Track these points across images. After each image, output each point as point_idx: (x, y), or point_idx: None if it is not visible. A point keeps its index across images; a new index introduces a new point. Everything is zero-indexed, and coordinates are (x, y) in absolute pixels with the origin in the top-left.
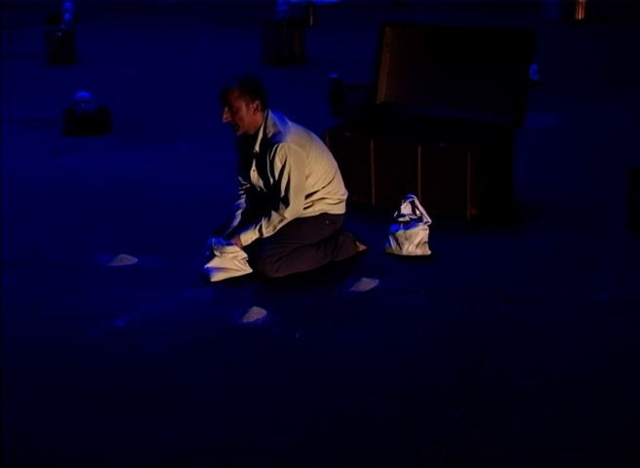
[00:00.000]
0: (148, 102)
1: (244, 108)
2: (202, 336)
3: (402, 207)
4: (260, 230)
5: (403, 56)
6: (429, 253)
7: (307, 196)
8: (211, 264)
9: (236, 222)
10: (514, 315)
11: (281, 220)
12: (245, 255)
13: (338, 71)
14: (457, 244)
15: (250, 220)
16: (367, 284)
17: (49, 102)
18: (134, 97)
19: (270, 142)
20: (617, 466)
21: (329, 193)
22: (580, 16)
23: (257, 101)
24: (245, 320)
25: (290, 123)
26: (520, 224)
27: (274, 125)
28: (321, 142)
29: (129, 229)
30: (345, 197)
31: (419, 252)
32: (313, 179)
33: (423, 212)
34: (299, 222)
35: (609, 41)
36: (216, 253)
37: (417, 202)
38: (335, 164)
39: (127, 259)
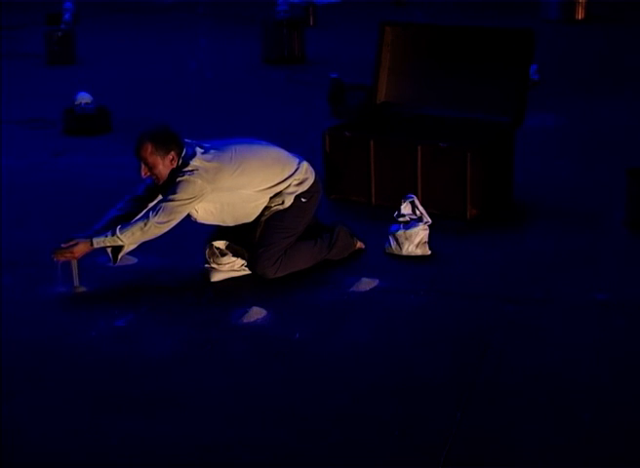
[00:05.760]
0: (148, 102)
1: (160, 162)
2: (202, 336)
3: (402, 207)
4: (114, 234)
5: (403, 55)
6: (429, 253)
7: (274, 196)
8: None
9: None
10: (514, 315)
11: (142, 228)
12: (242, 262)
13: (338, 71)
14: (457, 244)
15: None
16: (367, 284)
17: (49, 102)
18: (133, 98)
19: (178, 175)
20: (616, 466)
21: (289, 183)
22: (579, 16)
23: (172, 153)
24: (245, 320)
25: (200, 156)
26: (520, 224)
27: (185, 164)
28: (242, 154)
29: None
30: (302, 167)
31: (419, 252)
32: (260, 189)
33: (423, 212)
34: (280, 215)
35: (609, 41)
36: (212, 264)
37: (417, 202)
38: (269, 159)
39: (127, 259)
